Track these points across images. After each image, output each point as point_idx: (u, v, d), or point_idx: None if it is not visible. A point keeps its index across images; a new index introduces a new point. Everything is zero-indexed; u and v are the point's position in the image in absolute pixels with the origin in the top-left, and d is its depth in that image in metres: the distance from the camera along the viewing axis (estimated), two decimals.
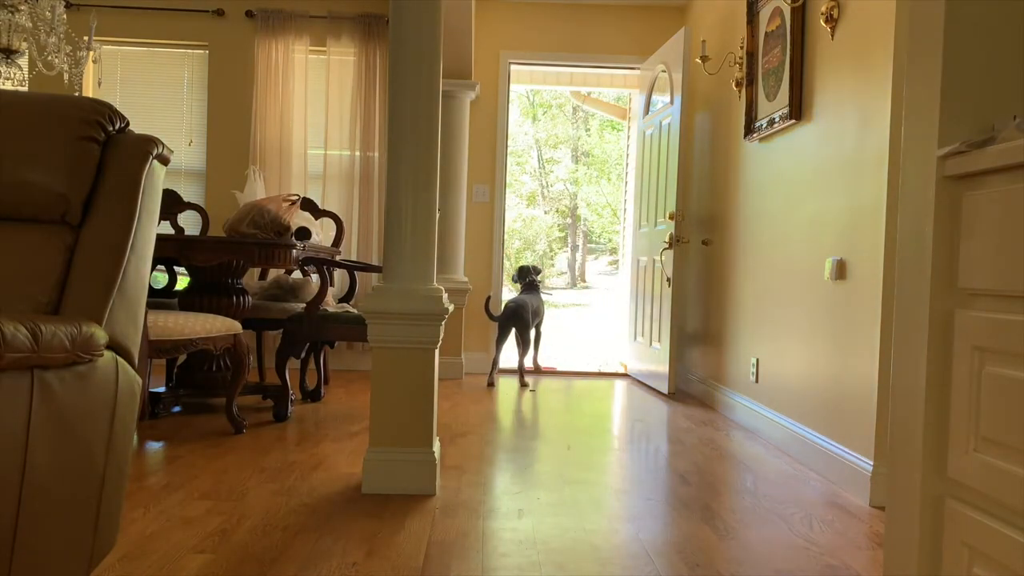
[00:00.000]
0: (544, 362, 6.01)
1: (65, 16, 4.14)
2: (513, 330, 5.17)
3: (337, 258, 4.43)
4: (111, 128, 1.63)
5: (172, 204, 4.47)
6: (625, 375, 5.86)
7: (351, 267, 4.49)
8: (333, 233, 4.85)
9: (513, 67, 5.75)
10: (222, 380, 3.86)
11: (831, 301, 3.12)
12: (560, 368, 6.14)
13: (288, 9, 5.41)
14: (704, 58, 4.48)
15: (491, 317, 5.25)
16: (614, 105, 9.97)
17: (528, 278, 5.61)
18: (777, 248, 3.70)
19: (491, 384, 5.08)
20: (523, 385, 5.11)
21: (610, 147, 19.09)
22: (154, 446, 3.17)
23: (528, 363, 5.51)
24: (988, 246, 1.17)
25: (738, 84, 4.21)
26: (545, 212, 20.31)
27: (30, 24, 3.99)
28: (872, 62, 2.86)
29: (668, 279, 4.85)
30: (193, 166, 5.46)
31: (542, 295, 5.66)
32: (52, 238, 1.55)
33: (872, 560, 2.14)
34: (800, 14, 3.45)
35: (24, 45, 4.05)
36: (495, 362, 5.28)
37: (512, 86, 5.82)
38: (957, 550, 1.22)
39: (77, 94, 4.72)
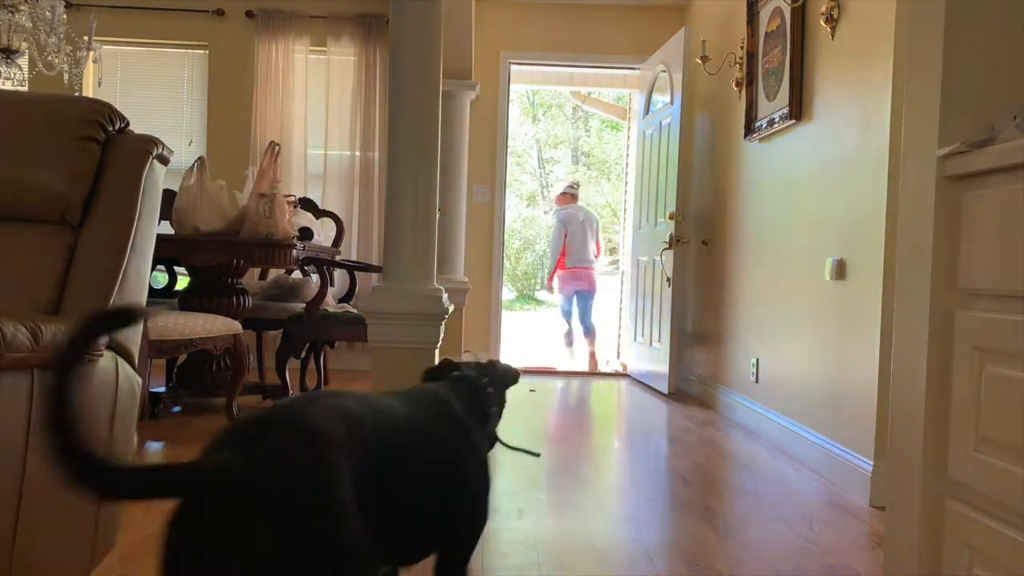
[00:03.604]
0: (546, 362, 6.00)
1: (65, 16, 4.14)
2: None
3: (337, 258, 4.43)
4: (111, 128, 1.63)
5: (172, 204, 4.46)
6: (625, 375, 5.86)
7: (351, 267, 4.49)
8: (333, 233, 4.85)
9: (513, 67, 5.75)
10: (222, 380, 3.86)
11: (831, 301, 3.12)
12: (559, 368, 6.14)
13: (288, 9, 5.40)
14: (704, 58, 4.48)
15: None
16: (614, 105, 9.96)
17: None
18: (777, 248, 3.70)
19: None
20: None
21: (610, 147, 19.08)
22: (154, 446, 3.16)
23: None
24: (988, 246, 1.17)
25: (738, 84, 4.21)
26: (545, 212, 20.31)
27: (30, 24, 3.99)
28: (872, 62, 2.86)
29: (668, 279, 4.85)
30: None
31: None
32: (52, 238, 1.55)
33: (872, 560, 2.14)
34: (800, 14, 3.45)
35: (24, 45, 4.06)
36: None
37: (512, 86, 5.82)
38: (957, 550, 1.22)
39: (77, 94, 4.72)
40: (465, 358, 1.51)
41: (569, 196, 6.86)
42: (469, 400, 1.27)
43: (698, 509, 2.54)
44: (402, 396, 1.19)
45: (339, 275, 4.94)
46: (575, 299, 6.60)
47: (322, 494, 0.84)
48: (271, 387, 3.93)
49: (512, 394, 1.49)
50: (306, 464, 0.85)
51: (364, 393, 1.10)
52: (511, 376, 1.45)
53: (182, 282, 4.35)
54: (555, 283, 6.79)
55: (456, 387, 1.29)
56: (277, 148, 3.64)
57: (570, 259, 6.52)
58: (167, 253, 3.41)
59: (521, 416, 4.11)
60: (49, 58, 4.13)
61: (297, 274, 4.63)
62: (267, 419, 0.92)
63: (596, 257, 6.72)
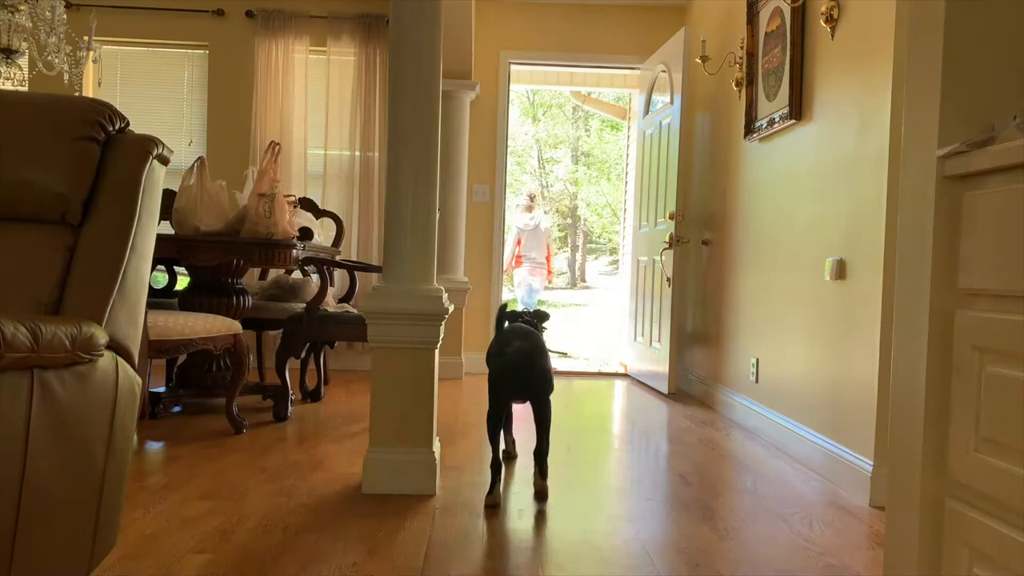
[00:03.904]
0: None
1: (65, 16, 4.14)
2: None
3: (337, 258, 4.43)
4: (111, 128, 1.63)
5: (172, 204, 4.46)
6: (625, 375, 5.86)
7: (351, 267, 4.49)
8: (333, 233, 4.85)
9: (513, 67, 5.75)
10: (222, 380, 3.86)
11: (831, 301, 3.12)
12: (560, 368, 6.14)
13: (288, 9, 5.40)
14: (704, 58, 4.48)
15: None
16: (614, 105, 9.98)
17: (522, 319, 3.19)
18: (777, 248, 3.70)
19: (494, 505, 2.55)
20: (541, 496, 3.74)
21: (610, 147, 19.09)
22: (154, 446, 3.17)
23: None
24: (988, 246, 1.17)
25: (738, 84, 4.21)
26: (545, 212, 20.29)
27: (30, 24, 3.99)
28: (872, 62, 2.86)
29: (668, 279, 4.85)
30: None
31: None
32: (52, 238, 1.55)
33: (872, 560, 2.14)
34: (800, 14, 3.45)
35: (24, 45, 4.06)
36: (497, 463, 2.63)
37: (512, 86, 5.82)
38: (957, 550, 1.22)
39: (77, 94, 4.72)
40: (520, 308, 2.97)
41: (524, 208, 8.47)
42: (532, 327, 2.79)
43: (698, 509, 2.54)
44: (527, 329, 2.69)
45: (339, 275, 4.94)
46: (527, 290, 8.17)
47: (544, 362, 2.61)
48: (271, 387, 3.93)
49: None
50: (539, 352, 2.60)
51: (525, 328, 2.69)
52: (546, 316, 2.95)
53: (182, 282, 4.35)
54: (514, 277, 8.25)
55: (527, 322, 2.80)
56: (278, 148, 3.63)
57: (524, 259, 8.11)
58: (167, 253, 3.41)
59: (520, 415, 4.11)
60: (49, 58, 4.13)
61: (297, 274, 4.63)
62: (525, 334, 2.62)
63: (546, 258, 8.33)
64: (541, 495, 2.60)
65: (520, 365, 2.53)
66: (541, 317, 2.90)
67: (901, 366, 1.37)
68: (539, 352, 2.59)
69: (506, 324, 2.75)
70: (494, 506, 2.50)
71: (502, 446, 2.80)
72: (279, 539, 2.13)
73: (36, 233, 1.55)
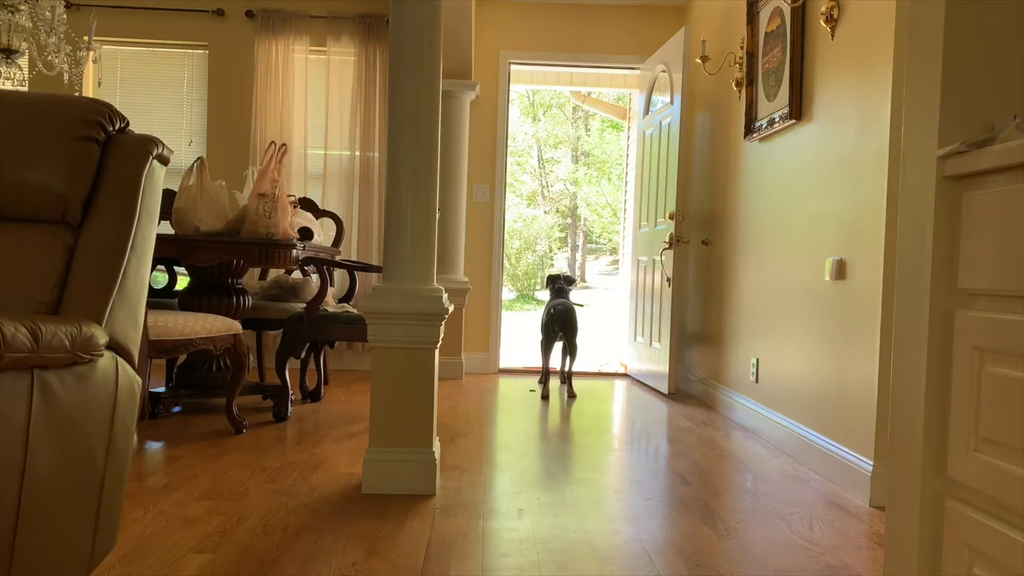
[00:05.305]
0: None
1: (65, 16, 4.14)
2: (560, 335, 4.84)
3: (337, 258, 4.43)
4: (111, 128, 1.63)
5: (172, 204, 4.46)
6: (625, 375, 5.86)
7: (351, 267, 4.49)
8: (333, 233, 4.85)
9: (513, 67, 5.75)
10: (222, 380, 3.86)
11: (831, 301, 3.12)
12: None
13: (288, 9, 5.41)
14: (704, 58, 4.48)
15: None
16: (614, 105, 10.00)
17: (558, 285, 5.07)
18: (777, 248, 3.70)
19: (545, 397, 4.72)
20: (571, 396, 4.80)
21: (610, 147, 19.09)
22: (154, 446, 3.17)
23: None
24: (988, 246, 1.17)
25: (738, 84, 4.21)
26: (545, 212, 20.30)
27: (30, 24, 3.99)
28: (872, 62, 2.86)
29: (668, 279, 4.85)
30: None
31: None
32: (52, 238, 1.55)
33: (872, 560, 2.14)
34: (800, 14, 3.45)
35: (24, 45, 4.06)
36: (546, 373, 4.99)
37: (512, 86, 5.82)
38: (957, 550, 1.22)
39: (77, 94, 4.72)
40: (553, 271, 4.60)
41: None
42: (566, 292, 5.00)
43: (698, 509, 2.54)
44: (565, 298, 4.92)
45: (339, 275, 4.94)
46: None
47: (575, 315, 4.79)
48: (271, 387, 3.93)
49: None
50: (572, 310, 4.80)
51: (563, 297, 4.93)
52: (573, 280, 5.14)
53: (182, 282, 4.35)
54: None
55: (564, 290, 4.97)
56: (283, 148, 3.63)
57: None
58: (167, 253, 3.41)
59: (520, 416, 4.11)
60: (49, 58, 4.13)
61: (297, 274, 4.63)
62: (564, 300, 4.86)
63: None
64: (572, 397, 4.72)
65: (563, 315, 4.68)
66: (569, 281, 5.02)
67: (901, 366, 1.37)
68: (572, 310, 4.73)
69: (550, 284, 5.05)
70: (545, 397, 4.67)
71: (547, 384, 4.97)
72: (279, 539, 2.13)
73: (36, 233, 1.55)
